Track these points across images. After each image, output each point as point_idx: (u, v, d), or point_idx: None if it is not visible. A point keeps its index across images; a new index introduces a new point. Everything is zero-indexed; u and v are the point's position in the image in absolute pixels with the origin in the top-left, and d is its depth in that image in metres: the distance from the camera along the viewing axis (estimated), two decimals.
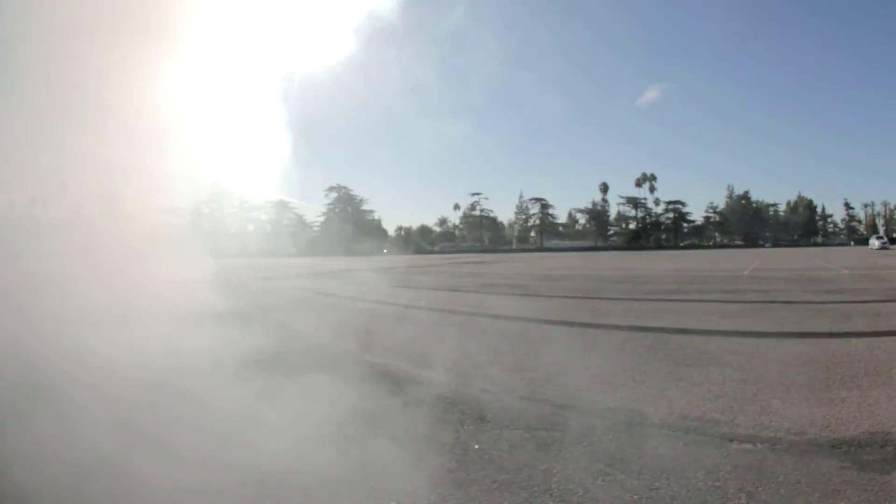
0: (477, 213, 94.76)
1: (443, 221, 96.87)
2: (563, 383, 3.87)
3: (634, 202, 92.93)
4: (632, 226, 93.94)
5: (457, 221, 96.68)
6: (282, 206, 70.04)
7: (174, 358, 4.39)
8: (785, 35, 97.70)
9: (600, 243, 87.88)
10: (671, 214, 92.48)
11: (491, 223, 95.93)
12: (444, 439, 2.80)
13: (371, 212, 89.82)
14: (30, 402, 3.18)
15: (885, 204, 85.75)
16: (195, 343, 5.00)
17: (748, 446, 2.65)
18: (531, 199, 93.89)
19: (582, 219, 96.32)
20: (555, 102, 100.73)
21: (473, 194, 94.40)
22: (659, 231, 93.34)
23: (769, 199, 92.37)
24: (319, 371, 4.33)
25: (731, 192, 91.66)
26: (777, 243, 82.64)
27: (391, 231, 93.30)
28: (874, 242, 47.63)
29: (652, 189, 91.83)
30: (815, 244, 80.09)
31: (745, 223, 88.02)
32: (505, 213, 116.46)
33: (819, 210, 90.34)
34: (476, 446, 2.71)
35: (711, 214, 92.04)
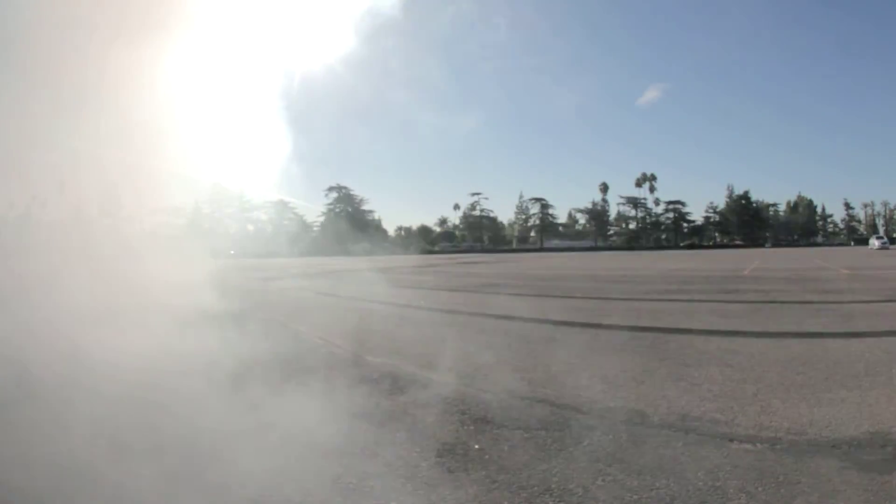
0: (477, 213, 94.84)
1: (443, 221, 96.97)
2: (563, 383, 3.87)
3: (634, 202, 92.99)
4: (632, 226, 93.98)
5: (457, 221, 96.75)
6: (282, 205, 70.05)
7: (169, 360, 4.39)
8: (785, 35, 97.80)
9: (600, 243, 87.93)
10: (671, 214, 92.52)
11: (491, 223, 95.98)
12: (445, 439, 2.80)
13: (371, 212, 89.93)
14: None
15: (885, 204, 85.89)
16: (193, 344, 5.00)
17: (748, 446, 2.65)
18: (531, 199, 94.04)
19: (582, 219, 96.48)
20: (555, 102, 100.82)
21: (473, 194, 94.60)
22: (659, 231, 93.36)
23: (769, 199, 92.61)
24: (320, 370, 4.33)
25: (731, 192, 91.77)
26: (777, 243, 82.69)
27: (391, 231, 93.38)
28: (874, 242, 47.65)
29: (652, 189, 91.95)
30: (815, 244, 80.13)
31: (745, 223, 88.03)
32: (505, 213, 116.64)
33: (819, 210, 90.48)
34: (476, 446, 2.71)
35: (711, 214, 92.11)
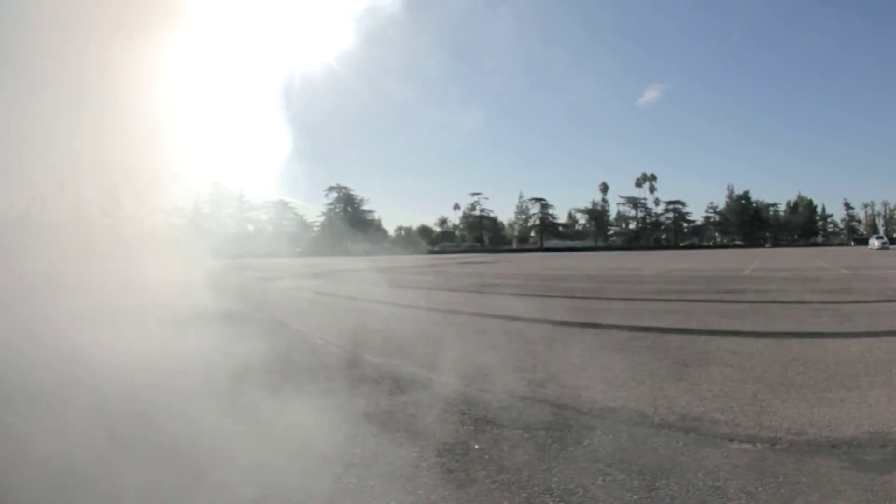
0: (477, 213, 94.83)
1: (443, 221, 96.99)
2: (563, 383, 3.87)
3: (634, 202, 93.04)
4: (632, 226, 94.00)
5: (457, 221, 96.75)
6: (282, 205, 70.13)
7: (169, 359, 4.40)
8: (785, 34, 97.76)
9: (600, 243, 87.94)
10: (671, 214, 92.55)
11: (491, 223, 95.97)
12: (444, 439, 2.80)
13: (371, 212, 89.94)
14: None
15: (885, 204, 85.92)
16: (192, 344, 5.00)
17: (748, 446, 2.65)
18: (531, 199, 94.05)
19: (582, 219, 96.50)
20: (555, 102, 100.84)
21: (473, 194, 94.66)
22: (659, 231, 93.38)
23: (769, 199, 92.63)
24: (320, 370, 4.33)
25: (731, 192, 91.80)
26: (777, 243, 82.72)
27: (391, 231, 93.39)
28: (874, 242, 47.65)
29: (652, 189, 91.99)
30: (815, 244, 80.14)
31: (745, 223, 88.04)
32: (505, 213, 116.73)
33: (819, 210, 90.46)
34: (476, 446, 2.71)
35: (711, 214, 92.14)
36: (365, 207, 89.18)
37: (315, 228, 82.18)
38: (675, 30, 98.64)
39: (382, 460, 2.53)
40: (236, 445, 2.68)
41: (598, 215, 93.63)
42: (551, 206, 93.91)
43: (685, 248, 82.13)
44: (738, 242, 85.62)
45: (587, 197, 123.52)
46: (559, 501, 2.13)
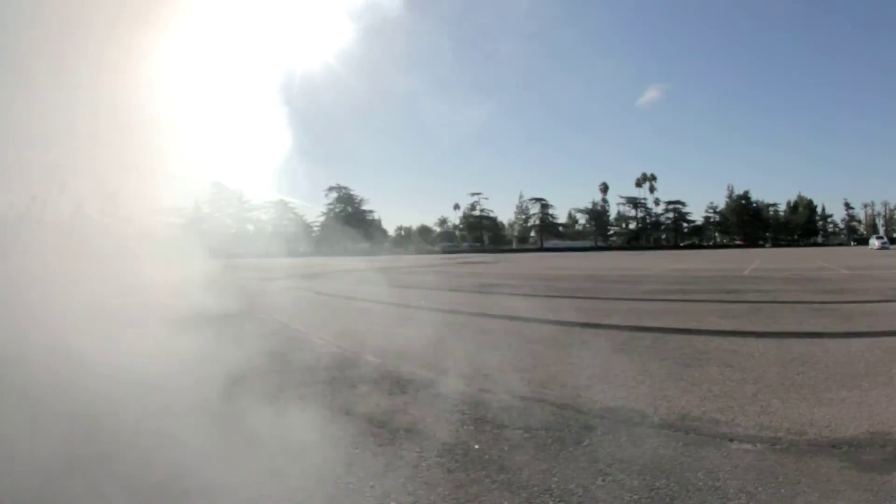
0: (477, 213, 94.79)
1: (443, 221, 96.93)
2: (563, 383, 3.87)
3: (634, 202, 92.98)
4: (632, 226, 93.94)
5: (457, 221, 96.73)
6: (282, 205, 70.16)
7: (169, 359, 4.39)
8: (785, 34, 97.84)
9: (600, 243, 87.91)
10: (671, 214, 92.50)
11: (491, 223, 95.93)
12: (444, 439, 2.80)
13: (371, 212, 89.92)
14: None
15: (885, 204, 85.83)
16: (192, 344, 5.00)
17: (748, 446, 2.65)
18: (531, 199, 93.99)
19: (582, 219, 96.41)
20: (555, 103, 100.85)
21: (473, 194, 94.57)
22: (659, 231, 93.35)
23: (769, 199, 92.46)
24: (320, 370, 4.34)
25: (731, 192, 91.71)
26: (777, 243, 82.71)
27: (391, 231, 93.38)
28: (874, 242, 47.64)
29: (652, 189, 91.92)
30: (815, 244, 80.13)
31: (745, 223, 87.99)
32: (505, 213, 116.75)
33: (819, 210, 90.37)
34: (476, 446, 2.71)
35: (711, 214, 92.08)
36: (365, 207, 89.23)
37: (315, 228, 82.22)
38: (675, 30, 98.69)
39: (382, 460, 2.53)
40: (236, 444, 2.68)
41: (598, 215, 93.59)
42: (551, 206, 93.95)
43: (685, 248, 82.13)
44: (738, 242, 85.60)
45: (587, 197, 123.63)
46: (559, 501, 2.13)
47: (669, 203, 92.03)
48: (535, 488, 2.23)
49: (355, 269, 23.52)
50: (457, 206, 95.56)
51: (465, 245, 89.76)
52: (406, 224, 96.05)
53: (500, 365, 4.41)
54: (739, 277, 14.70)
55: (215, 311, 7.20)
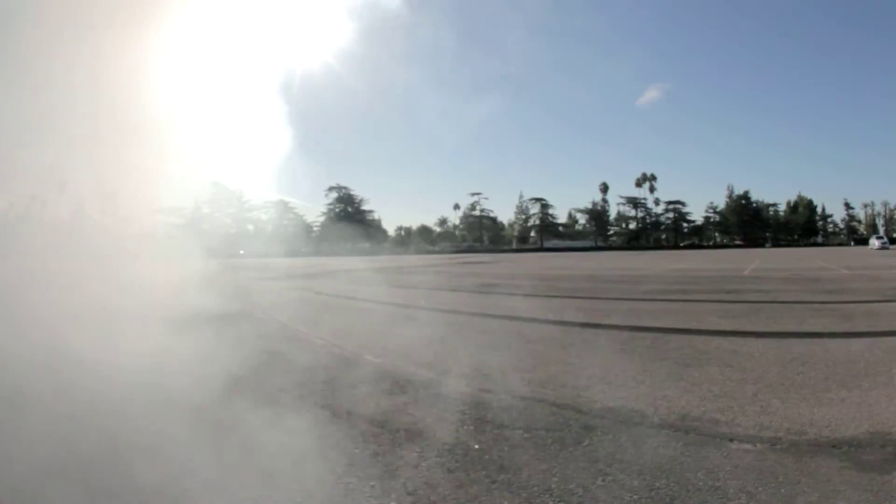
0: (477, 213, 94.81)
1: (443, 221, 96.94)
2: (563, 383, 3.87)
3: (634, 202, 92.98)
4: (632, 226, 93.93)
5: (457, 221, 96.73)
6: (282, 205, 70.21)
7: (170, 359, 4.39)
8: (785, 34, 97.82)
9: (600, 243, 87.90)
10: (671, 214, 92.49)
11: (491, 223, 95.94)
12: (444, 439, 2.80)
13: (371, 212, 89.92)
14: None
15: (885, 204, 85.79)
16: (192, 344, 5.00)
17: (748, 446, 2.65)
18: (531, 199, 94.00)
19: (582, 219, 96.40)
20: (554, 103, 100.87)
21: (473, 194, 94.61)
22: (659, 231, 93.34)
23: (769, 199, 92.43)
24: (319, 370, 4.33)
25: (731, 192, 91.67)
26: (777, 243, 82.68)
27: (391, 231, 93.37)
28: (874, 242, 47.63)
29: (652, 189, 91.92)
30: (815, 244, 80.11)
31: (745, 223, 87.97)
32: (505, 213, 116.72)
33: (819, 210, 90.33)
34: (476, 446, 2.71)
35: (711, 214, 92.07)
36: (365, 207, 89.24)
37: (315, 228, 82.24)
38: (675, 30, 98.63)
39: (382, 460, 2.53)
40: (236, 444, 2.68)
41: (598, 215, 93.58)
42: (551, 206, 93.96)
43: (685, 248, 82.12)
44: (738, 242, 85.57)
45: (587, 197, 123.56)
46: (559, 501, 2.13)
47: (669, 203, 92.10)
48: (535, 488, 2.23)
49: (355, 269, 23.52)
50: (457, 206, 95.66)
51: (464, 245, 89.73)
52: (406, 224, 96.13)
53: (500, 365, 4.41)
54: (739, 277, 14.70)
55: (215, 311, 7.20)
